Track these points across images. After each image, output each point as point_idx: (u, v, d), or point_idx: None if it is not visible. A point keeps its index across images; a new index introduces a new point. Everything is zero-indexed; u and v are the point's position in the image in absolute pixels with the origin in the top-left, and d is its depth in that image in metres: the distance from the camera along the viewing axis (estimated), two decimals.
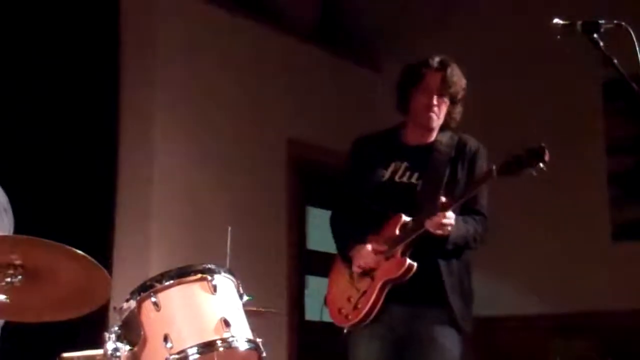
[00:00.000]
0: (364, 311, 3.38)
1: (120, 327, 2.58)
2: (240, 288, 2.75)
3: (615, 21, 2.53)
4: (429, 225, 3.25)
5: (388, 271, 3.35)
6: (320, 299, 3.67)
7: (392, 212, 3.41)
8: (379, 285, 3.36)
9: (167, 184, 5.30)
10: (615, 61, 2.47)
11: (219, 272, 2.67)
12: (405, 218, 3.37)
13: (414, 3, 6.68)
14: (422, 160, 3.45)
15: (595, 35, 2.53)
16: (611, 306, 5.72)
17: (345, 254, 3.50)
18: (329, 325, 3.61)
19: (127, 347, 2.55)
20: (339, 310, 3.50)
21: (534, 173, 3.09)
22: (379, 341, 3.41)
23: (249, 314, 2.74)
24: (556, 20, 2.58)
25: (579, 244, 6.01)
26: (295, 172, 6.25)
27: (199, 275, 2.62)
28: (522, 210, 6.09)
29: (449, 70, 3.43)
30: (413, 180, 3.45)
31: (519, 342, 5.98)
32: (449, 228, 3.25)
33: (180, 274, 2.62)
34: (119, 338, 2.55)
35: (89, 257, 2.37)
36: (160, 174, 5.27)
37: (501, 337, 5.94)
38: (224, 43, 5.75)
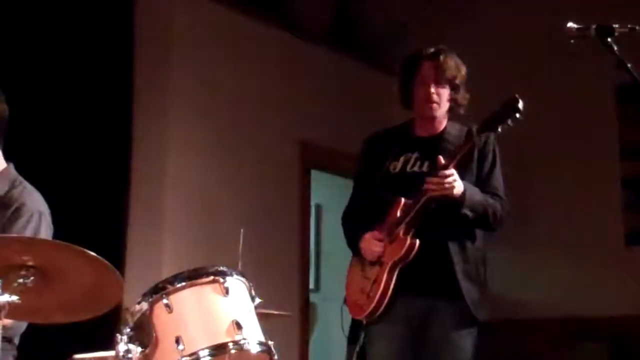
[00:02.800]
0: (377, 297, 3.36)
1: (132, 329, 2.57)
2: (252, 290, 2.75)
3: (629, 25, 2.53)
4: (429, 187, 3.26)
5: (392, 253, 3.36)
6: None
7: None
8: (387, 269, 3.36)
9: (179, 186, 5.31)
10: (629, 65, 2.46)
11: (231, 275, 2.66)
12: (407, 201, 3.38)
13: (426, 6, 6.66)
14: (431, 150, 3.45)
15: (609, 39, 2.52)
16: (625, 311, 5.69)
17: (355, 248, 3.51)
18: None
19: (139, 349, 2.55)
20: (355, 303, 3.50)
21: (511, 124, 3.15)
22: (396, 341, 3.41)
23: (260, 316, 2.73)
24: (570, 24, 2.58)
25: (593, 249, 5.99)
26: (308, 174, 6.25)
27: (211, 278, 2.62)
28: (535, 214, 6.07)
29: (441, 57, 3.44)
30: (424, 169, 3.46)
31: (531, 347, 5.96)
32: (454, 185, 3.24)
33: (193, 276, 2.62)
34: (130, 340, 2.55)
35: (102, 259, 2.37)
36: (173, 177, 5.29)
37: (513, 340, 5.91)
38: (237, 45, 5.76)
